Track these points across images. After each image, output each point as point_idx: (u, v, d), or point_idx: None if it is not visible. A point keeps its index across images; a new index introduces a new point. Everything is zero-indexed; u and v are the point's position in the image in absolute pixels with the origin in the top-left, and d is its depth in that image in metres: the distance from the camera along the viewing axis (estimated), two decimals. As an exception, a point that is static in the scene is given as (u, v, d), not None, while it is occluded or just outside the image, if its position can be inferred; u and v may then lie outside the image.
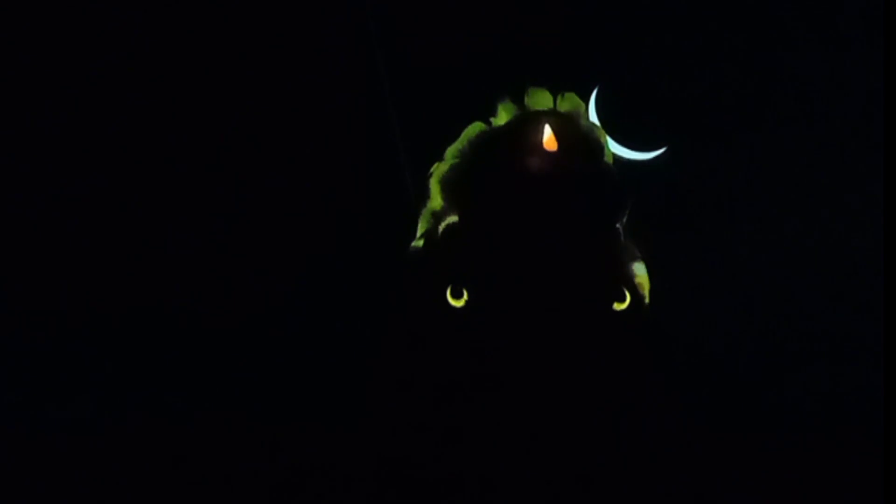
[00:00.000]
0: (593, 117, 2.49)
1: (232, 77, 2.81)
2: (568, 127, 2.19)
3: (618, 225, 2.19)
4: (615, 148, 2.38)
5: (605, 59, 2.71)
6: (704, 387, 2.53)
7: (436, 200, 2.22)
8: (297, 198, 2.81)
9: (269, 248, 2.80)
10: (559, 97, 2.24)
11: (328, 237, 2.79)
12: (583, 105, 2.26)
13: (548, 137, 2.15)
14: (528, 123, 2.19)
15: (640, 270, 2.18)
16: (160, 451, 2.54)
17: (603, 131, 2.26)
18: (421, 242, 2.22)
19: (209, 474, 2.47)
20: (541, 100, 2.23)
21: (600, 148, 2.22)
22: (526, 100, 2.24)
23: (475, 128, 2.23)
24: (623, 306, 2.14)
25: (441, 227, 2.20)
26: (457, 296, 2.13)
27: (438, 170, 2.23)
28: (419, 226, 2.23)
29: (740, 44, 2.77)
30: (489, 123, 2.24)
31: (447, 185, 2.20)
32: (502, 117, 2.24)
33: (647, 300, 2.17)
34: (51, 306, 2.79)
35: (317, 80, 2.82)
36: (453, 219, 2.19)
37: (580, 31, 2.75)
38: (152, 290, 2.80)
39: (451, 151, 2.22)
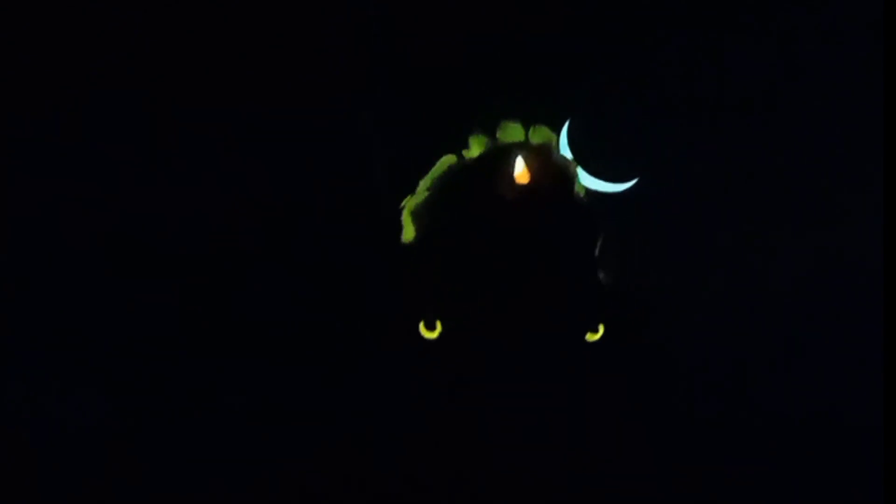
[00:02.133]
0: (565, 149, 2.51)
1: (231, 76, 2.80)
2: (540, 159, 2.19)
3: (590, 256, 2.19)
4: (587, 180, 2.39)
5: (576, 91, 2.73)
6: (683, 420, 2.55)
7: (408, 233, 2.23)
8: (292, 202, 2.82)
9: (267, 250, 2.80)
10: (531, 129, 2.25)
11: (321, 245, 2.80)
12: (554, 137, 2.26)
13: (520, 170, 2.15)
14: (500, 156, 2.19)
15: (612, 301, 2.18)
16: (159, 450, 2.54)
17: (574, 163, 2.27)
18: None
19: (209, 475, 2.47)
20: (512, 132, 2.24)
21: (572, 180, 2.23)
22: (498, 132, 2.24)
23: (447, 160, 2.24)
24: (596, 337, 2.15)
25: (414, 259, 2.21)
26: (430, 327, 2.14)
27: (410, 202, 2.24)
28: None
29: (714, 79, 2.79)
30: (461, 156, 2.25)
31: (419, 217, 2.21)
32: (474, 150, 2.24)
33: (620, 330, 2.17)
34: (50, 305, 2.79)
35: (317, 80, 2.82)
36: (425, 250, 2.20)
37: (550, 64, 2.77)
38: (151, 289, 2.80)
39: (424, 184, 2.23)
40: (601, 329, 2.14)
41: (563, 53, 2.79)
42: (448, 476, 2.17)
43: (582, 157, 2.45)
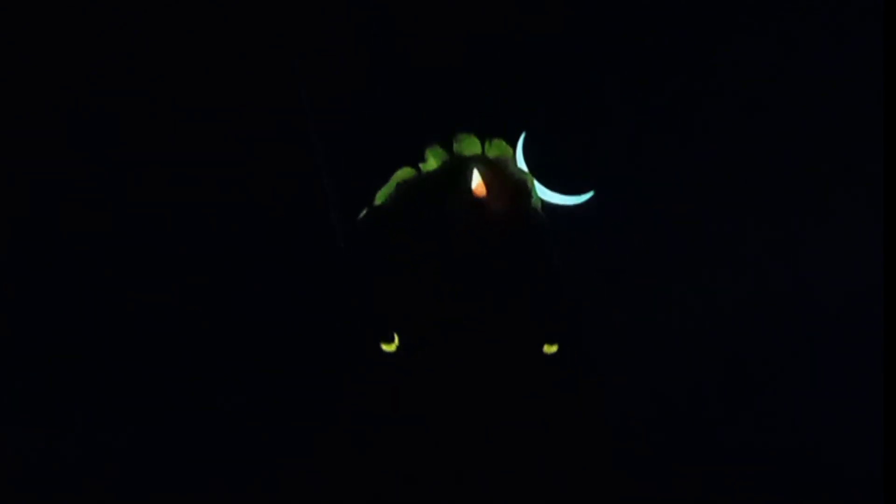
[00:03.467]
0: (521, 163, 2.51)
1: (232, 76, 2.80)
2: (496, 172, 2.19)
3: (547, 268, 2.19)
4: (543, 193, 2.39)
5: (532, 104, 2.72)
6: (639, 432, 2.55)
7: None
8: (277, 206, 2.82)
9: (267, 250, 2.80)
10: (487, 143, 2.24)
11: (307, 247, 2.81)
12: (511, 151, 2.26)
13: (476, 183, 2.15)
14: (457, 169, 2.19)
15: (569, 312, 2.18)
16: (160, 450, 2.55)
17: (531, 176, 2.26)
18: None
19: (209, 474, 2.48)
20: (469, 146, 2.23)
21: (528, 192, 2.22)
22: (455, 146, 2.24)
23: (404, 173, 2.24)
24: (553, 349, 2.14)
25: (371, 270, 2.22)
26: (388, 340, 2.15)
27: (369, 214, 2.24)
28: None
29: (665, 95, 2.78)
30: (418, 168, 2.24)
31: (377, 229, 2.22)
32: (431, 163, 2.24)
33: (577, 342, 2.17)
34: (50, 305, 2.79)
35: (317, 80, 2.82)
36: (383, 262, 2.21)
37: (507, 78, 2.76)
38: (151, 289, 2.80)
39: (381, 196, 2.23)
40: (558, 341, 2.14)
41: (563, 53, 2.80)
42: (447, 476, 2.17)
43: (538, 171, 2.45)
